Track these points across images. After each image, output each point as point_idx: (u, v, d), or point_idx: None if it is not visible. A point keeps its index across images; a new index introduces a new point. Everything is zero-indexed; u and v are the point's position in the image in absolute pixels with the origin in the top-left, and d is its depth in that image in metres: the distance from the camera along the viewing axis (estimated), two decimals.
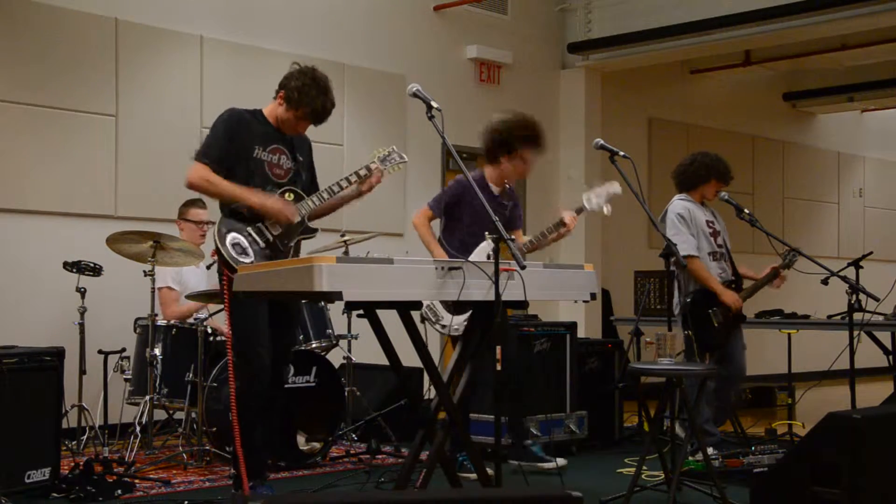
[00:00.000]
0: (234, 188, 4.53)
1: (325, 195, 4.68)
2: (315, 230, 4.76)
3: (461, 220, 5.41)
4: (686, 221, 5.93)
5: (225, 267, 4.46)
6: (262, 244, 4.54)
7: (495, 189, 5.53)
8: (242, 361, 4.49)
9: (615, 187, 5.40)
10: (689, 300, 5.86)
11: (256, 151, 4.61)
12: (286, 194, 4.64)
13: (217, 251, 4.52)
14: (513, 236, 5.50)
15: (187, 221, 6.40)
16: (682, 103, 11.43)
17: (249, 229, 4.53)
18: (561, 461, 5.63)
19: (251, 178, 4.58)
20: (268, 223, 4.56)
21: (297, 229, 4.67)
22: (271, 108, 4.70)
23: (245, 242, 4.50)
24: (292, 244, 4.67)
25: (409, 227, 8.65)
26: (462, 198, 5.39)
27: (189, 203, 6.42)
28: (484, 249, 5.36)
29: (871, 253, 6.44)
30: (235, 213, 4.56)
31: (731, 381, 5.95)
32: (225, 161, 4.56)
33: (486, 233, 4.06)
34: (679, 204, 6.03)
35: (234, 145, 4.57)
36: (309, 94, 4.60)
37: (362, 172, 4.76)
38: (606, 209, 5.34)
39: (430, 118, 4.05)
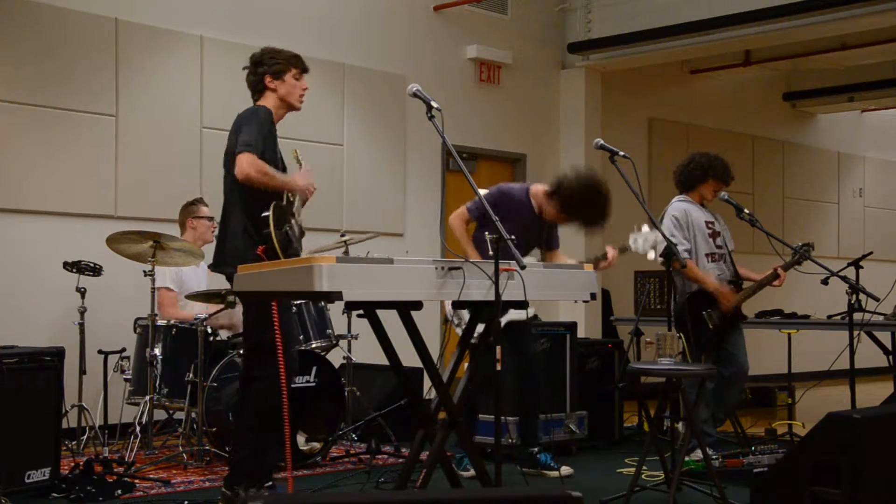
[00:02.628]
0: (283, 177, 4.58)
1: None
2: (303, 231, 4.79)
3: (494, 227, 5.36)
4: (680, 224, 5.93)
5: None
6: (296, 246, 4.57)
7: (536, 207, 5.52)
8: (287, 360, 4.48)
9: (660, 237, 5.32)
10: (683, 302, 5.86)
11: (278, 151, 4.67)
12: (289, 194, 4.67)
13: (274, 257, 4.42)
14: (552, 257, 5.60)
15: (200, 219, 6.40)
16: (682, 103, 11.43)
17: (288, 232, 4.53)
18: (566, 470, 5.60)
19: None
20: (292, 224, 4.57)
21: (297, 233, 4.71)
22: (268, 102, 4.70)
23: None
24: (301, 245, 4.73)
25: (409, 227, 8.72)
26: (497, 205, 5.35)
27: (196, 202, 6.44)
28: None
29: (871, 253, 6.45)
30: (276, 206, 4.52)
31: (734, 380, 5.95)
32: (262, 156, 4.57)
33: (486, 233, 4.04)
34: (676, 206, 6.03)
35: (266, 145, 4.57)
36: (281, 52, 4.70)
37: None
38: (651, 255, 5.28)
39: (430, 118, 4.05)
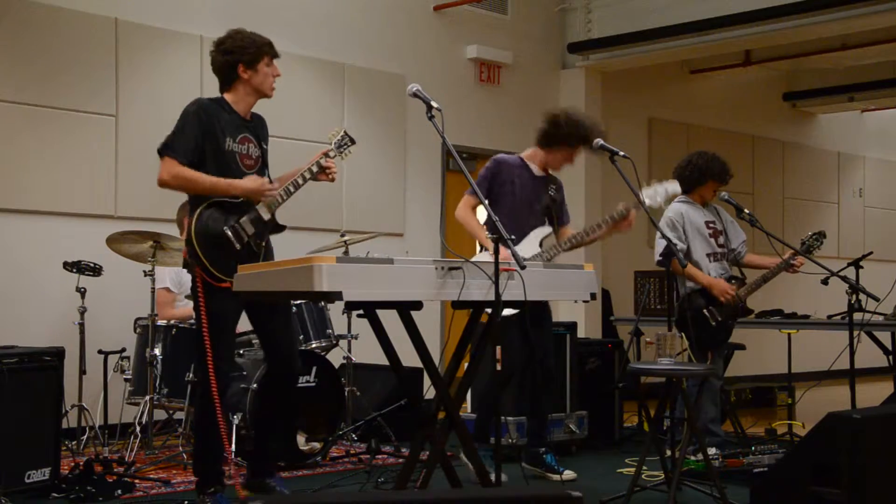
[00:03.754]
0: (212, 180, 4.42)
1: (292, 188, 4.58)
2: (284, 226, 4.65)
3: (499, 202, 5.32)
4: (675, 225, 5.94)
5: (202, 271, 4.37)
6: (238, 247, 4.44)
7: (536, 170, 5.51)
8: (220, 362, 4.44)
9: (675, 186, 5.34)
10: (683, 301, 5.87)
11: (228, 143, 4.51)
12: None
13: (193, 253, 4.39)
14: (560, 231, 5.55)
15: None
16: (682, 103, 11.43)
17: (228, 232, 4.42)
18: (569, 474, 5.58)
19: (225, 171, 4.47)
20: (242, 222, 4.46)
21: (268, 227, 4.57)
22: (235, 95, 4.59)
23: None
24: (264, 243, 4.59)
25: (409, 227, 8.71)
26: (498, 176, 5.34)
27: None
28: (537, 236, 5.34)
29: (871, 253, 6.45)
30: (211, 213, 4.43)
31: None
32: (195, 155, 4.44)
33: (488, 233, 4.04)
34: (673, 207, 6.04)
35: (207, 138, 4.46)
36: (255, 41, 4.58)
37: (315, 169, 4.64)
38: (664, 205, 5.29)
39: (430, 118, 4.05)
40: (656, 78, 10.96)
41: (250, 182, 4.49)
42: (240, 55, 4.55)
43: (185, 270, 6.21)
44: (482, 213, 5.34)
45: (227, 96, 4.61)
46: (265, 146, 4.70)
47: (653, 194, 5.24)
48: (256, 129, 4.68)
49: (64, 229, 6.78)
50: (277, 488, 4.69)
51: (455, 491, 4.00)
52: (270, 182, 4.59)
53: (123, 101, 7.07)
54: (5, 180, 6.59)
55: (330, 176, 4.68)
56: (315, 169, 4.63)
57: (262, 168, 4.64)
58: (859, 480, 3.86)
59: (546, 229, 5.43)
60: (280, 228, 4.64)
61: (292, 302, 5.65)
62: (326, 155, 4.67)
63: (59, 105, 6.80)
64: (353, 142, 4.75)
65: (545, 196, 5.51)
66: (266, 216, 4.54)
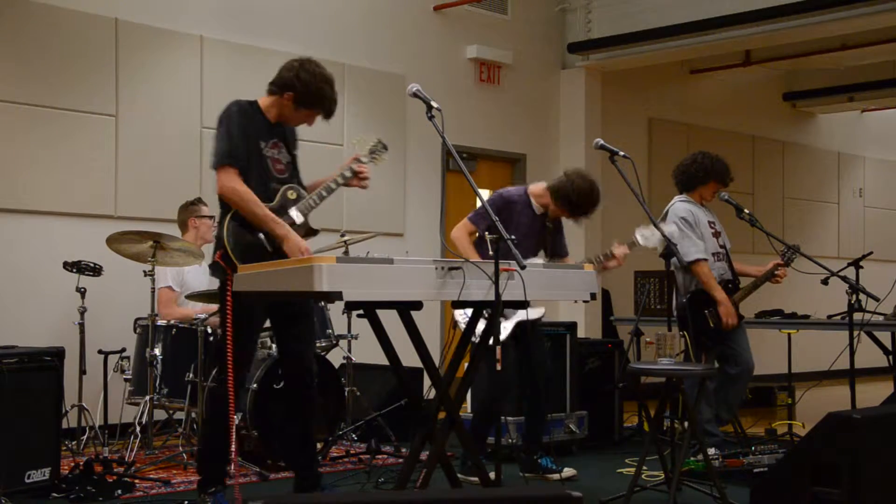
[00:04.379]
0: (264, 213, 4.36)
1: (324, 192, 4.58)
2: (317, 231, 4.66)
3: None
4: (690, 224, 5.94)
5: (233, 273, 4.31)
6: (271, 250, 4.42)
7: (538, 208, 5.53)
8: (241, 367, 4.46)
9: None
10: (685, 300, 5.87)
11: (263, 147, 4.50)
12: (289, 192, 4.53)
13: (226, 257, 4.36)
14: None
15: (202, 218, 6.39)
16: (682, 103, 11.43)
17: (262, 236, 4.39)
18: (568, 472, 5.58)
19: (262, 175, 4.46)
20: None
21: (301, 231, 4.54)
22: (269, 102, 4.56)
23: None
24: None
25: (409, 227, 8.71)
26: (501, 212, 5.34)
27: (196, 201, 6.45)
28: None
29: (871, 253, 6.44)
30: (244, 218, 4.41)
31: (739, 379, 5.95)
32: (244, 159, 4.42)
33: (486, 232, 4.04)
34: (681, 206, 6.03)
35: (248, 142, 4.44)
36: (324, 93, 4.51)
37: (348, 174, 4.60)
38: (660, 249, 5.32)
39: (430, 118, 4.05)
40: (656, 78, 10.96)
41: (295, 239, 4.37)
42: (297, 88, 4.49)
43: (186, 270, 6.30)
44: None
45: (261, 100, 4.59)
46: (295, 152, 4.69)
47: (649, 235, 5.28)
48: (285, 134, 4.67)
49: (64, 229, 6.78)
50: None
51: (455, 491, 4.00)
52: (304, 188, 4.58)
53: (123, 101, 7.07)
54: (5, 180, 6.59)
55: (363, 182, 4.64)
56: (348, 174, 4.59)
57: (293, 173, 4.64)
58: (859, 480, 3.86)
59: (538, 261, 5.43)
60: (313, 232, 4.63)
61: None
62: (358, 160, 4.63)
63: (58, 105, 6.80)
64: (385, 148, 4.73)
65: (542, 233, 5.55)
66: (298, 220, 4.51)
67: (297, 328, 4.65)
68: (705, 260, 5.87)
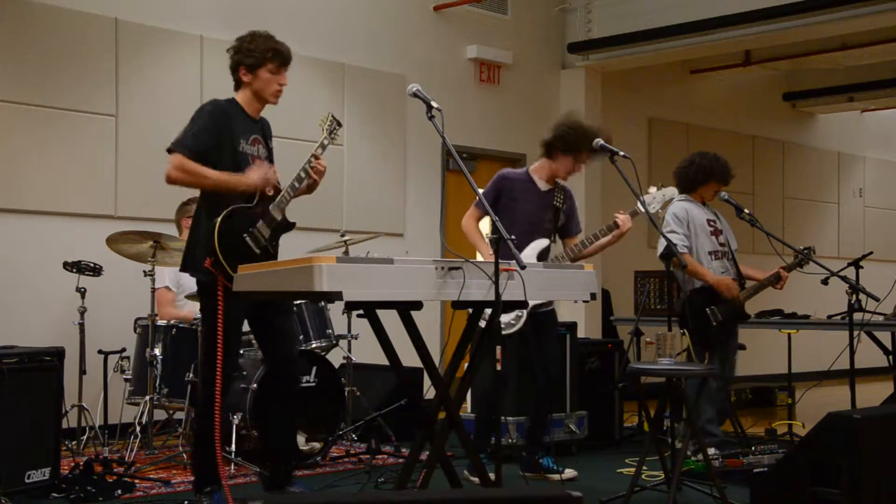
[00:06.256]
0: (217, 175, 4.37)
1: (291, 191, 4.51)
2: (293, 223, 4.61)
3: (503, 219, 5.32)
4: (681, 221, 5.95)
5: (224, 278, 4.29)
6: (258, 252, 4.42)
7: (542, 184, 5.52)
8: (227, 367, 4.46)
9: (671, 190, 5.40)
10: (686, 299, 5.87)
11: (241, 145, 4.51)
12: (266, 189, 4.51)
13: (216, 263, 4.31)
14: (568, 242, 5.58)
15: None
16: (682, 103, 11.43)
17: (247, 239, 4.39)
18: (569, 473, 5.58)
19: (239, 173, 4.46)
20: (259, 227, 4.43)
21: (281, 227, 4.54)
22: (243, 96, 4.58)
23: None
24: (277, 243, 4.58)
25: (409, 227, 8.71)
26: (502, 192, 5.36)
27: (190, 201, 6.41)
28: (534, 248, 5.36)
29: (871, 253, 6.44)
30: (230, 222, 4.37)
31: (723, 384, 5.97)
32: (210, 155, 4.41)
33: (490, 233, 4.04)
34: (677, 205, 6.04)
35: (222, 139, 4.44)
36: (268, 45, 4.52)
37: (308, 168, 4.54)
38: (659, 249, 5.33)
39: (430, 118, 4.05)
40: (656, 78, 10.96)
41: (255, 174, 4.44)
42: (243, 57, 4.54)
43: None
44: (484, 225, 5.38)
45: (237, 97, 4.61)
46: (270, 145, 4.71)
47: (651, 200, 5.30)
48: (264, 130, 4.69)
49: (64, 229, 6.78)
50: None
51: (455, 491, 4.00)
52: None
53: (123, 101, 7.07)
54: (5, 180, 6.59)
55: (317, 177, 4.58)
56: (308, 168, 4.58)
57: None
58: (859, 480, 3.86)
59: (543, 242, 5.43)
60: (291, 226, 4.61)
61: (293, 302, 5.65)
62: (314, 156, 4.60)
63: (58, 105, 6.80)
64: (340, 125, 4.67)
65: (550, 210, 5.53)
66: (278, 217, 4.52)
67: (279, 320, 4.69)
68: (685, 253, 5.85)
